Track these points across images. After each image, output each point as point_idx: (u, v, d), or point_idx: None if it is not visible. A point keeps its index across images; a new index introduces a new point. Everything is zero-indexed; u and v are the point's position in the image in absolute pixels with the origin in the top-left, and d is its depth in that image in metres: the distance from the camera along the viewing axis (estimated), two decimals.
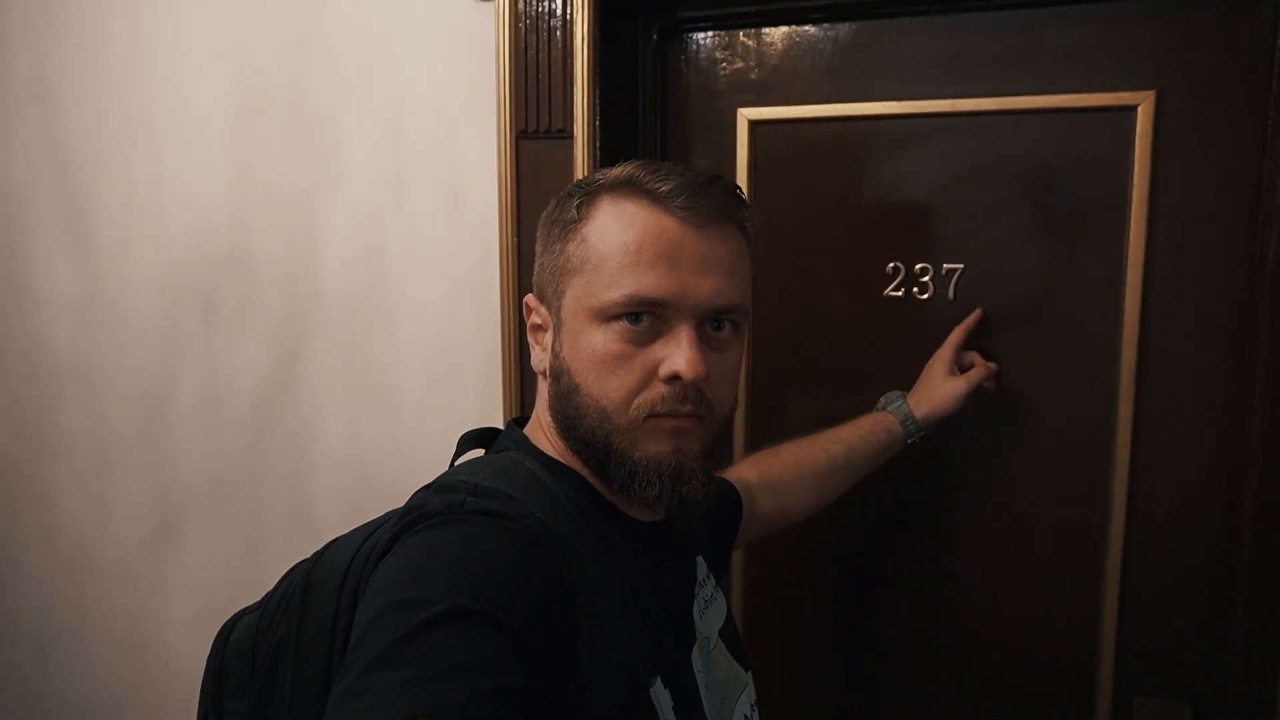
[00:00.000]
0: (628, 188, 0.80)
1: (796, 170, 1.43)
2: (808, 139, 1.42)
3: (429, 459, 1.56)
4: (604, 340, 0.78)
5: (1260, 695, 1.20)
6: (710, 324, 0.80)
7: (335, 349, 1.61)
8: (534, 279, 0.87)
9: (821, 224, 1.41)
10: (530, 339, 0.88)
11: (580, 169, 1.35)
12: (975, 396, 1.27)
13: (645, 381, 0.78)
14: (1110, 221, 1.26)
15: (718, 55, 1.45)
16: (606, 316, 0.78)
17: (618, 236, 0.78)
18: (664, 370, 0.77)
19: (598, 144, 1.35)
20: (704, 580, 0.94)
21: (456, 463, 0.88)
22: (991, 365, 1.30)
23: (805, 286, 1.43)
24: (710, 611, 0.92)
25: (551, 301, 0.83)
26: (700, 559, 0.96)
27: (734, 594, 1.53)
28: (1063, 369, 1.31)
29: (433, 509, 0.72)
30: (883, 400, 1.30)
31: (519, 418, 0.93)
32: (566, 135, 1.35)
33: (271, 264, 1.64)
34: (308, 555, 0.88)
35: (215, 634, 0.91)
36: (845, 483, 1.24)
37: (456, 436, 1.54)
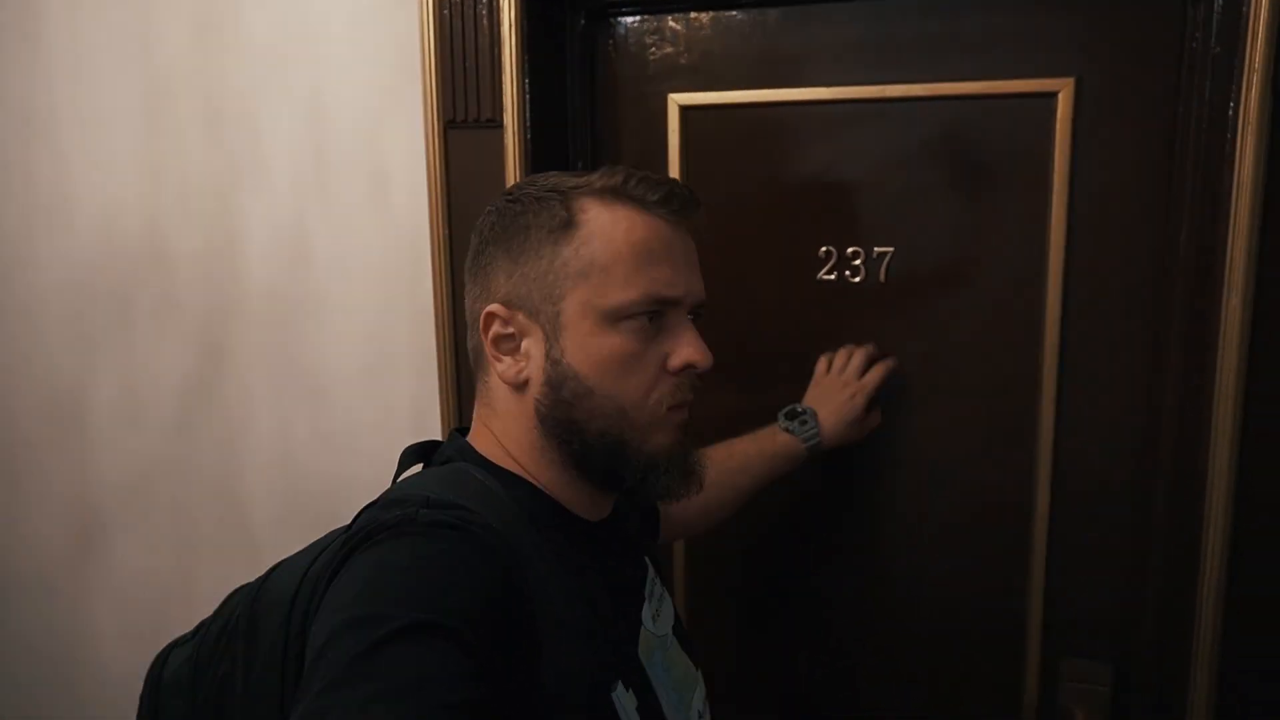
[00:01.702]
0: (617, 194, 0.82)
1: (728, 155, 1.43)
2: (738, 124, 1.42)
3: (364, 456, 1.54)
4: (621, 341, 0.80)
5: (1177, 651, 1.27)
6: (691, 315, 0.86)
7: (262, 346, 1.57)
8: (499, 288, 0.84)
9: (753, 209, 1.42)
10: (491, 352, 0.84)
11: (511, 159, 1.32)
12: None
13: (657, 376, 0.82)
14: (1033, 204, 1.30)
15: (646, 40, 1.44)
16: (620, 317, 0.80)
17: (624, 239, 0.80)
18: (676, 362, 0.82)
19: (529, 133, 1.33)
20: (652, 579, 0.95)
21: (400, 478, 0.86)
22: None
23: (739, 272, 1.43)
24: (663, 610, 0.93)
25: (540, 308, 0.81)
26: (646, 558, 0.96)
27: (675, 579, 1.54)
28: (991, 341, 1.36)
29: (384, 524, 0.71)
30: (795, 426, 1.28)
31: (460, 428, 0.91)
32: (496, 124, 1.32)
33: (190, 259, 1.58)
34: (240, 554, 0.85)
35: (145, 644, 0.88)
36: (738, 506, 1.27)
37: (392, 432, 1.53)
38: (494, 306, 0.83)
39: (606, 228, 0.80)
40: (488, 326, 0.84)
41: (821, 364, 1.36)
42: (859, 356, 1.34)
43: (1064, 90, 1.27)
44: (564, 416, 0.82)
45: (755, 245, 1.43)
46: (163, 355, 1.63)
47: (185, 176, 1.55)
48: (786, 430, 1.28)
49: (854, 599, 1.47)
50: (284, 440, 1.58)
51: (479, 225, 0.88)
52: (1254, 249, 1.16)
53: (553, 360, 0.81)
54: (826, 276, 1.40)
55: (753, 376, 1.46)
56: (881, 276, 1.38)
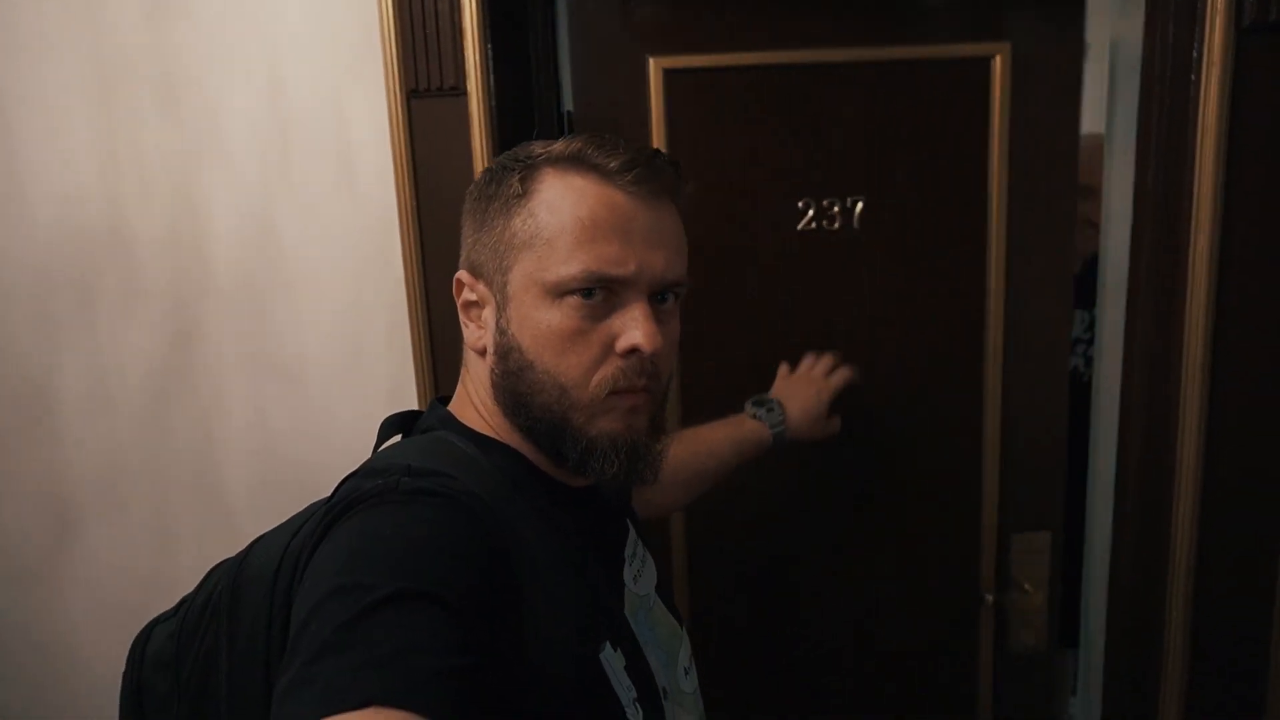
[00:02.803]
0: (574, 162, 0.78)
1: (708, 119, 1.48)
2: (715, 87, 1.47)
3: (341, 435, 1.52)
4: (559, 316, 0.77)
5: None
6: (656, 297, 0.80)
7: (232, 328, 1.54)
8: (466, 255, 0.84)
9: (735, 170, 1.50)
10: (462, 316, 0.85)
11: (477, 127, 1.31)
12: None
13: (603, 356, 0.78)
14: (975, 159, 1.48)
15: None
16: (561, 292, 0.77)
17: (570, 211, 0.77)
18: (622, 344, 0.77)
19: (493, 100, 1.31)
20: (634, 540, 0.95)
21: (380, 448, 0.85)
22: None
23: (729, 230, 1.51)
24: (644, 571, 0.93)
25: (493, 278, 0.81)
26: (628, 520, 0.96)
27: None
28: (943, 279, 1.53)
29: (366, 492, 0.70)
30: (763, 413, 1.33)
31: (441, 397, 0.91)
32: (460, 92, 1.30)
33: (152, 243, 1.55)
34: (220, 543, 0.85)
35: (125, 633, 0.87)
36: (704, 490, 1.29)
37: (368, 410, 1.51)
38: (460, 273, 0.84)
39: (554, 199, 0.77)
40: (458, 292, 0.85)
41: (784, 366, 1.44)
42: (825, 361, 1.43)
43: (1000, 55, 1.44)
44: (510, 388, 0.80)
45: (741, 203, 1.51)
46: (130, 342, 1.60)
47: (144, 158, 1.52)
48: (754, 417, 1.30)
49: (838, 509, 1.62)
50: (259, 425, 1.56)
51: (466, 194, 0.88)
52: (1220, 188, 1.17)
53: (500, 329, 0.80)
54: (808, 227, 1.51)
55: (749, 325, 1.54)
56: (855, 224, 1.50)
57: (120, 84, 1.50)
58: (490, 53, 1.30)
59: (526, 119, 1.41)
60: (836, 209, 1.49)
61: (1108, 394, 1.45)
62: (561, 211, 0.77)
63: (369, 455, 0.86)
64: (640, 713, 0.78)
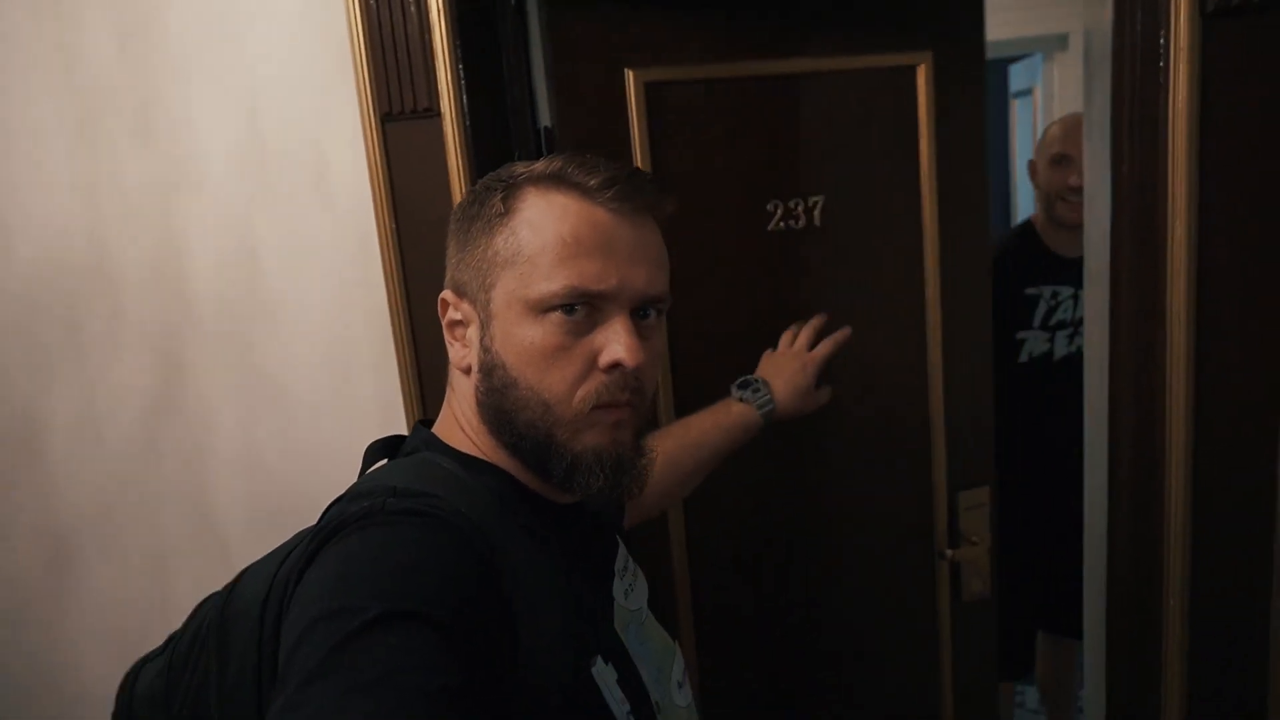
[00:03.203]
0: (555, 181, 0.79)
1: (686, 129, 1.53)
2: (691, 99, 1.52)
3: (330, 459, 1.52)
4: (541, 333, 0.77)
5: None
6: (638, 312, 0.80)
7: (219, 357, 1.54)
8: (451, 275, 0.84)
9: (712, 177, 1.57)
10: (448, 336, 0.85)
11: (452, 147, 1.31)
12: None
13: (586, 372, 0.78)
14: (908, 160, 1.62)
15: (589, 16, 1.43)
16: (543, 308, 0.77)
17: (552, 229, 0.77)
18: (605, 359, 0.77)
19: (468, 120, 1.32)
20: (623, 556, 0.95)
21: (365, 473, 0.85)
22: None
23: (707, 233, 1.58)
24: (635, 586, 0.93)
25: (477, 296, 0.81)
26: (617, 536, 0.97)
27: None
28: (891, 268, 1.67)
29: (352, 516, 0.70)
30: (749, 394, 1.32)
31: (424, 419, 0.91)
32: (433, 113, 1.31)
33: (137, 273, 1.55)
34: (216, 569, 0.84)
35: (126, 665, 0.87)
36: (697, 481, 1.30)
37: (357, 433, 1.51)
38: (445, 293, 0.85)
39: (536, 217, 0.78)
40: (443, 311, 0.85)
41: (769, 350, 1.44)
42: (807, 331, 1.42)
43: (923, 64, 1.59)
44: (495, 405, 0.80)
45: (716, 208, 1.58)
46: (119, 373, 1.60)
47: (123, 189, 1.52)
48: (741, 400, 1.30)
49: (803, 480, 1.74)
50: (250, 450, 1.56)
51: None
52: (1194, 174, 1.17)
53: (484, 347, 0.80)
54: (776, 226, 1.60)
55: (729, 320, 1.62)
56: (818, 221, 1.62)
57: (97, 116, 1.51)
58: (462, 73, 1.31)
59: (503, 137, 1.41)
60: (800, 208, 1.59)
61: (1097, 381, 1.45)
62: (544, 229, 0.77)
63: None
64: None
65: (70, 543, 1.70)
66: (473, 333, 0.82)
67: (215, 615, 0.79)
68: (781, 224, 1.59)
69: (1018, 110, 4.21)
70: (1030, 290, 2.18)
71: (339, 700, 0.57)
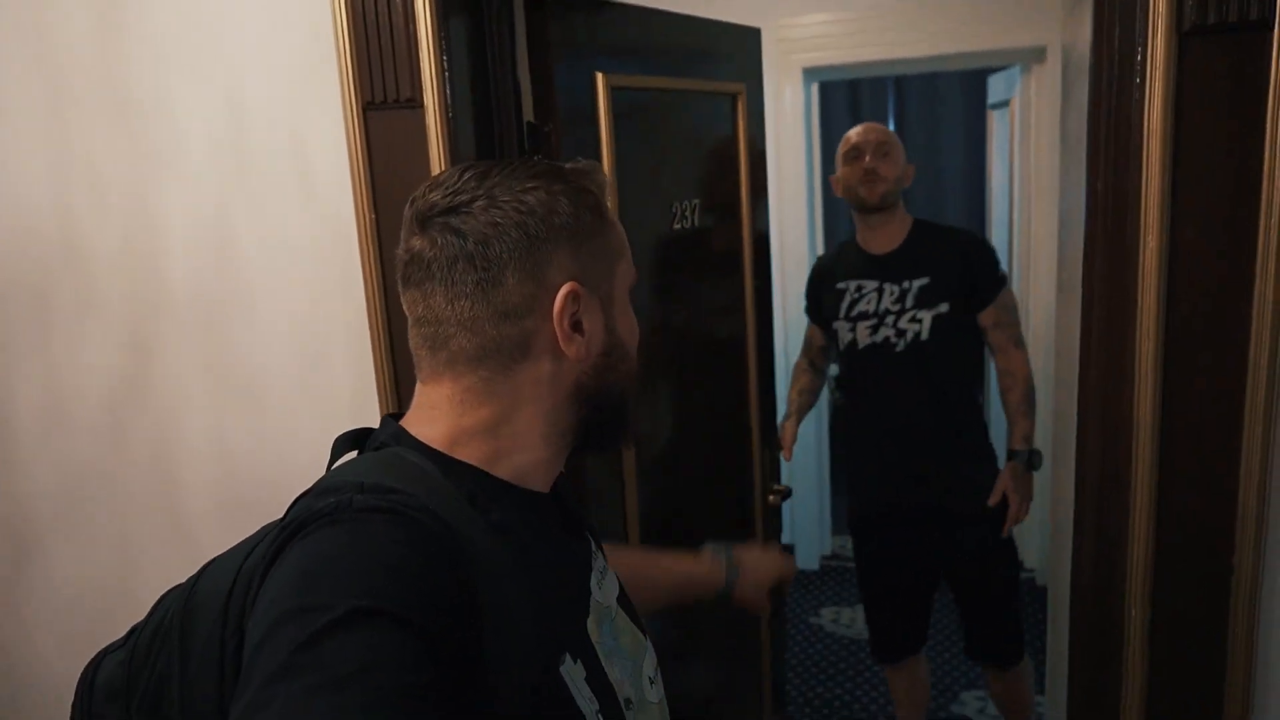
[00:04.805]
0: (593, 192, 0.87)
1: (639, 132, 1.68)
2: (634, 103, 1.66)
3: (302, 451, 1.51)
4: (632, 313, 0.91)
5: None
6: None
7: (190, 344, 1.53)
8: (561, 271, 0.81)
9: (645, 178, 1.77)
10: (565, 331, 0.82)
11: (435, 139, 1.30)
12: None
13: None
14: (733, 172, 2.00)
15: (568, 15, 1.43)
16: (630, 294, 0.91)
17: (619, 228, 0.90)
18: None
19: (451, 112, 1.31)
20: (596, 553, 0.95)
21: (333, 466, 0.85)
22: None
23: (645, 230, 1.78)
24: (606, 581, 0.93)
25: (599, 285, 0.85)
26: (588, 533, 0.96)
27: None
28: (730, 262, 2.01)
29: (318, 512, 0.70)
30: (725, 560, 1.33)
31: (392, 414, 0.90)
32: (416, 104, 1.30)
33: (109, 257, 1.53)
34: (182, 561, 0.83)
35: (90, 654, 0.85)
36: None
37: (329, 426, 1.49)
38: (574, 285, 0.81)
39: (612, 219, 0.89)
40: (572, 305, 0.82)
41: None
42: (775, 550, 1.56)
43: (740, 93, 1.98)
44: (603, 383, 0.86)
45: (650, 207, 1.82)
46: (86, 356, 1.58)
47: (97, 170, 1.50)
48: (716, 554, 1.32)
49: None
50: (219, 439, 1.55)
51: (481, 219, 0.81)
52: (1167, 188, 1.19)
53: (609, 330, 0.86)
54: (678, 225, 1.86)
55: (656, 306, 1.85)
56: (695, 221, 1.89)
57: (70, 95, 1.49)
58: (447, 64, 1.30)
59: (486, 131, 1.41)
60: (688, 210, 1.87)
61: (1067, 391, 1.47)
62: (618, 228, 0.89)
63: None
64: None
65: (34, 527, 1.68)
66: (592, 321, 0.83)
67: (178, 608, 0.78)
68: (677, 224, 1.86)
69: (995, 121, 4.25)
70: (840, 285, 2.37)
71: (305, 697, 0.57)
